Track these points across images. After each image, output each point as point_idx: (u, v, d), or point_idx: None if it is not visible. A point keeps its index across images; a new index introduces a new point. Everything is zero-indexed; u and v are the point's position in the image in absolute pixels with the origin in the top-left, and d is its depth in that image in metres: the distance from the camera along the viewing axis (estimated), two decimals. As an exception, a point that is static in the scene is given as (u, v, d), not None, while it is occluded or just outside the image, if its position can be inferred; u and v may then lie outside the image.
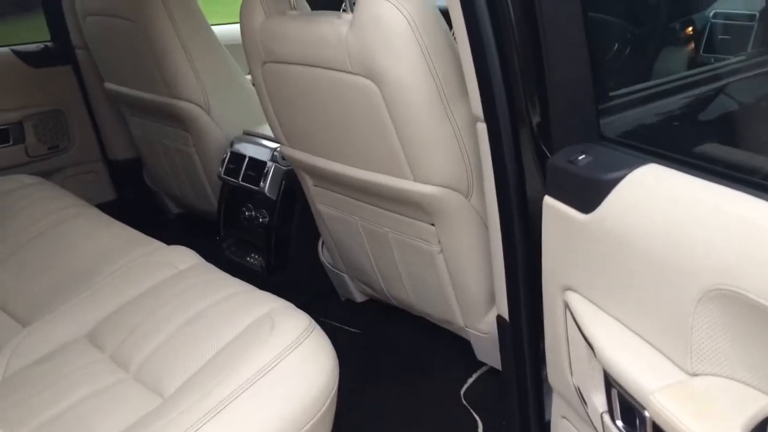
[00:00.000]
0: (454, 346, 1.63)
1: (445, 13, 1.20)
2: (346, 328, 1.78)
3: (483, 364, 1.59)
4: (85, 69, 2.23)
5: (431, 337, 1.70)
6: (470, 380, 1.59)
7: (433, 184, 1.24)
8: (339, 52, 1.18)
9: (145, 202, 2.43)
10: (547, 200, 0.98)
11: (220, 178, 1.90)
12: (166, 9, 1.75)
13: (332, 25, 1.19)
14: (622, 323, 0.87)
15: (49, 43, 2.24)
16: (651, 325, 0.81)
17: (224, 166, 1.88)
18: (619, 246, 0.83)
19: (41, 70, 2.19)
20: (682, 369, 0.76)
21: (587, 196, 0.88)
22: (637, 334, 0.83)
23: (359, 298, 1.82)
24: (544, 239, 1.02)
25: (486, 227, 1.30)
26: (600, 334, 0.88)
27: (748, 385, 0.71)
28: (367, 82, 1.17)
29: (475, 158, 1.22)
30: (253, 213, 1.84)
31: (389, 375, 1.65)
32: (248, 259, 1.87)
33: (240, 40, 2.08)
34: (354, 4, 1.17)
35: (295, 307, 1.20)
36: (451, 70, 1.16)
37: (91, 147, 2.36)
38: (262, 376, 1.03)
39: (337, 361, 1.12)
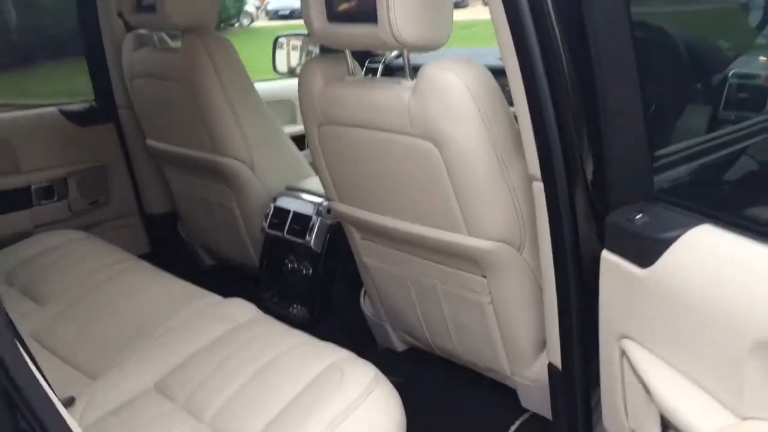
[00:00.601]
0: (496, 394, 1.67)
1: (493, 70, 1.30)
2: (388, 377, 1.82)
3: (525, 410, 1.63)
4: (126, 127, 2.33)
5: (472, 384, 1.74)
6: (513, 427, 1.63)
7: (487, 239, 1.31)
8: (400, 116, 1.27)
9: (178, 255, 2.49)
10: (605, 254, 1.06)
11: (263, 231, 1.97)
12: (216, 71, 1.85)
13: (394, 92, 1.28)
14: (677, 369, 0.94)
15: (93, 103, 2.35)
16: (705, 371, 0.88)
17: (268, 221, 1.95)
18: (675, 299, 0.91)
19: (86, 128, 2.29)
20: (734, 413, 0.83)
21: (645, 252, 0.96)
22: (692, 379, 0.90)
23: (400, 347, 1.87)
24: (601, 290, 1.10)
25: (535, 278, 1.37)
26: (656, 378, 0.95)
27: None
28: (429, 145, 1.25)
29: (527, 214, 1.29)
30: (296, 265, 1.91)
31: (432, 423, 1.68)
32: (291, 310, 1.93)
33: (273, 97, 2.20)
34: (415, 72, 1.26)
35: (358, 357, 1.26)
36: (506, 132, 1.25)
37: (128, 202, 2.44)
38: (339, 425, 1.08)
39: (404, 410, 1.18)
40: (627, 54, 1.05)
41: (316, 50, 3.04)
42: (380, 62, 2.69)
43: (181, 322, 1.48)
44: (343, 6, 1.31)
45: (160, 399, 1.26)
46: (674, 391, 0.93)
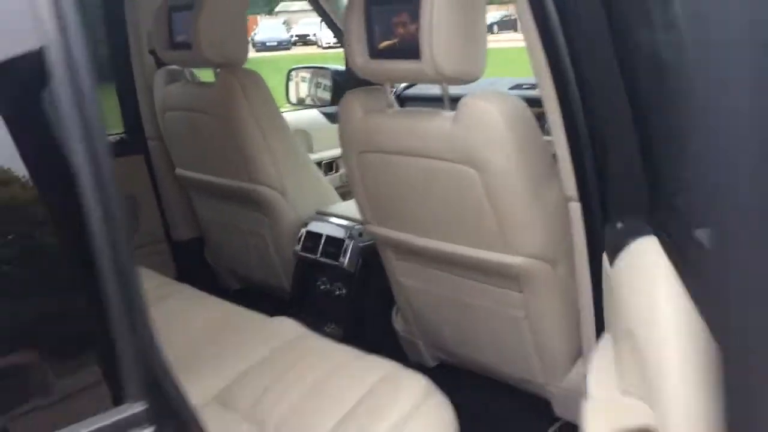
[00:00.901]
0: (528, 404, 1.75)
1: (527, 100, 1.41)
2: None
3: (557, 420, 1.71)
4: (155, 158, 2.43)
5: (503, 396, 1.82)
6: None
7: (524, 256, 1.41)
8: (442, 144, 1.38)
9: (205, 279, 2.57)
10: (604, 257, 1.18)
11: (295, 254, 2.06)
12: (249, 105, 1.95)
13: (435, 122, 1.39)
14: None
15: (123, 135, 2.44)
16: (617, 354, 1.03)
17: (301, 244, 2.04)
18: (615, 293, 1.05)
19: (116, 159, 2.37)
20: (618, 389, 0.98)
21: (613, 254, 1.09)
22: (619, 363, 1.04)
23: (431, 362, 1.95)
24: (603, 288, 1.21)
25: (567, 292, 1.46)
26: (596, 360, 1.10)
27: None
28: (469, 170, 1.36)
29: (561, 231, 1.40)
30: (329, 285, 2.00)
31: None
32: (325, 329, 2.01)
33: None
34: (454, 103, 1.38)
35: (409, 369, 1.34)
36: (540, 156, 1.36)
37: (156, 229, 2.52)
38: None
39: (456, 419, 1.26)
40: (613, 80, 1.17)
41: (325, 82, 3.17)
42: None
43: (231, 341, 1.55)
44: (384, 44, 1.43)
45: (222, 410, 1.34)
46: (596, 372, 1.07)
